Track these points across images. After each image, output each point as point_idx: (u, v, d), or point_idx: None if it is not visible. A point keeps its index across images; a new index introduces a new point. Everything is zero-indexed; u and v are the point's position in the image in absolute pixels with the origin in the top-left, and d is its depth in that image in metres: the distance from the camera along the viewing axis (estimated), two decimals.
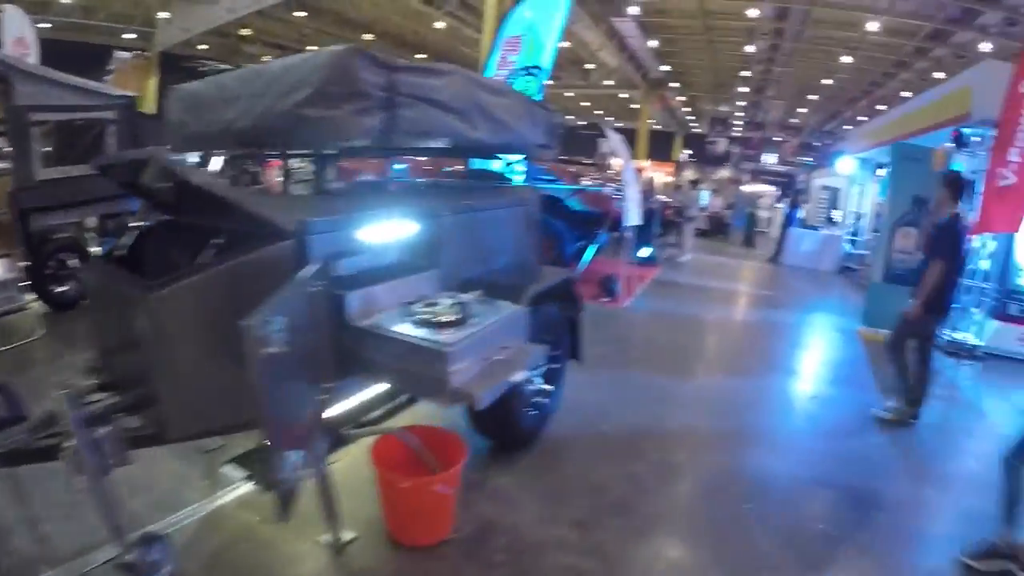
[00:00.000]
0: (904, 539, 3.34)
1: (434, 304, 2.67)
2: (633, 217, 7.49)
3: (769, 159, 37.53)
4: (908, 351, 4.90)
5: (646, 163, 23.94)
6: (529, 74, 8.43)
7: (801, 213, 15.26)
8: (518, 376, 2.67)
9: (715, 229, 17.30)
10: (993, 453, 3.31)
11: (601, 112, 39.40)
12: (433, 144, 3.19)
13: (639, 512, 3.30)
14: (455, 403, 2.44)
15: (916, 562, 3.19)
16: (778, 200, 21.29)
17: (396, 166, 11.94)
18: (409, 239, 3.01)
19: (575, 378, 4.29)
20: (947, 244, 4.63)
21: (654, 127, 34.08)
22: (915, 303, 4.64)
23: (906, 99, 14.99)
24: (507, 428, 3.53)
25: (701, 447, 4.20)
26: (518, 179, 5.30)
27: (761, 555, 3.04)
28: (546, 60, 6.43)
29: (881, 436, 4.70)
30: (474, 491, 3.26)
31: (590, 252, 8.00)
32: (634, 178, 7.90)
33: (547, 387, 3.86)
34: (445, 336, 2.42)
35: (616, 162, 6.50)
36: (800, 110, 34.36)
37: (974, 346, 7.47)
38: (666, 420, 4.53)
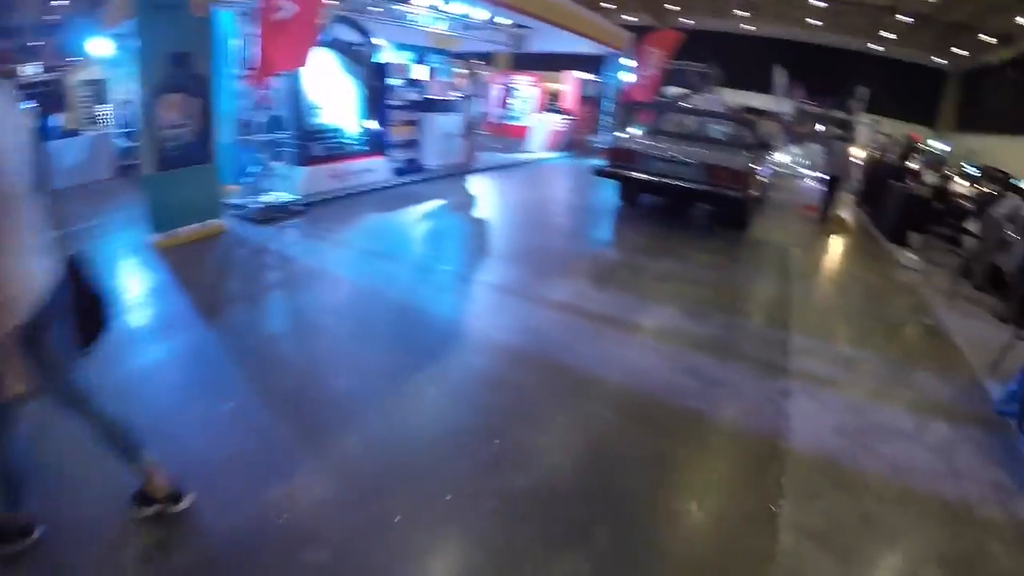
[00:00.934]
0: None
1: None
2: None
3: (32, 69, 30.90)
4: None
5: None
6: None
7: (60, 120, 12.25)
8: None
9: None
10: None
11: None
12: None
13: None
14: None
15: None
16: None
17: None
18: None
19: None
20: None
21: None
22: None
23: None
24: None
25: None
26: None
27: None
28: None
29: None
30: None
31: None
32: None
33: None
34: None
35: None
36: (60, 3, 28.81)
37: (288, 203, 6.72)
38: None
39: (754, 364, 4.23)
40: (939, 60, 27.92)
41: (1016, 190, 9.20)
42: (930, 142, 23.73)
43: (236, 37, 6.43)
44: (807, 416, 3.59)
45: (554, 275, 5.61)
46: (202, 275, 4.83)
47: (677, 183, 7.74)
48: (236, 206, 6.37)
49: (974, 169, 14.98)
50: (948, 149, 23.94)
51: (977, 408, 4.11)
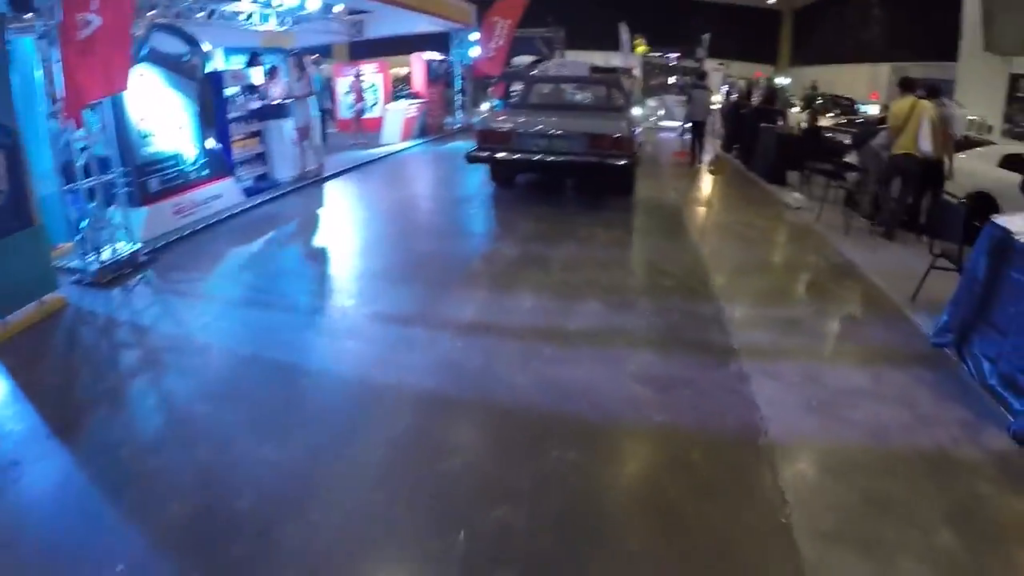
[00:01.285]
0: None
1: None
2: None
3: None
4: None
5: None
6: None
7: None
8: None
9: None
10: None
11: None
12: None
13: None
14: None
15: None
16: None
17: None
18: None
19: None
20: None
21: None
22: None
23: None
24: None
25: None
26: None
27: None
28: None
29: None
30: None
31: None
32: None
33: None
34: None
35: None
36: None
37: (132, 254, 5.70)
38: None
39: (699, 351, 4.08)
40: (772, 1, 29.80)
41: (881, 119, 9.78)
42: (776, 80, 25.36)
43: (40, 67, 5.27)
44: (773, 400, 3.46)
45: (452, 288, 5.15)
46: (47, 374, 3.87)
47: (559, 158, 7.48)
48: (73, 269, 5.32)
49: (819, 100, 16.09)
50: (788, 82, 25.76)
51: (914, 345, 4.23)
